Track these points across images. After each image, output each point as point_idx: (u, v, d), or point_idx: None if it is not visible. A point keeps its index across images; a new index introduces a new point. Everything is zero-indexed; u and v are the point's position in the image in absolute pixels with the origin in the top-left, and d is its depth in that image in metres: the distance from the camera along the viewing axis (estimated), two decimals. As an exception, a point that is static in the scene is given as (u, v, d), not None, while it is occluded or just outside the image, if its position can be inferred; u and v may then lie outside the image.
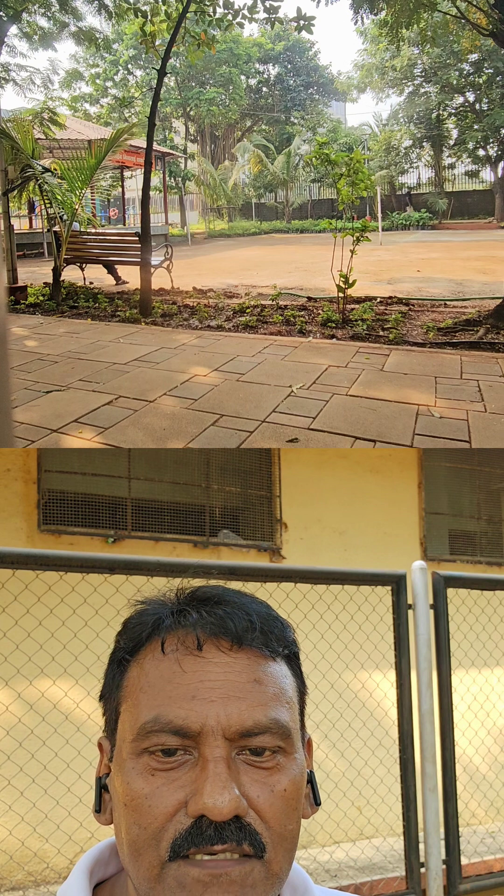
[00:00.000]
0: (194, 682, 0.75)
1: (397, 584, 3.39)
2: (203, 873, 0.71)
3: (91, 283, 12.01)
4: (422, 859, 3.26)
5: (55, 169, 10.13)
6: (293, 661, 0.82)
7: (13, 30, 17.20)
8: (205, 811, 0.71)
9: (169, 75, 31.94)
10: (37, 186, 10.31)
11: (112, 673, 0.82)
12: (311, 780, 0.83)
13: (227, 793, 0.71)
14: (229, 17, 9.72)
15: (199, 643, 0.77)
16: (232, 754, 0.74)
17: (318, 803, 0.84)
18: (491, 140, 35.04)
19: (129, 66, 41.22)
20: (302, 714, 0.83)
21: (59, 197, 9.91)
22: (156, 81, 9.10)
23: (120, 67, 41.23)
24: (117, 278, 12.45)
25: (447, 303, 10.01)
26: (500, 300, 8.25)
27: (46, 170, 10.07)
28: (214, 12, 9.65)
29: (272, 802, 0.74)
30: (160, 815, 0.73)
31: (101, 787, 0.82)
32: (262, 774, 0.75)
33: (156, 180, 31.74)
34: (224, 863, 0.72)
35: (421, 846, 3.26)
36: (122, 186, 29.39)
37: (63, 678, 3.63)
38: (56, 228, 10.32)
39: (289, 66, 44.76)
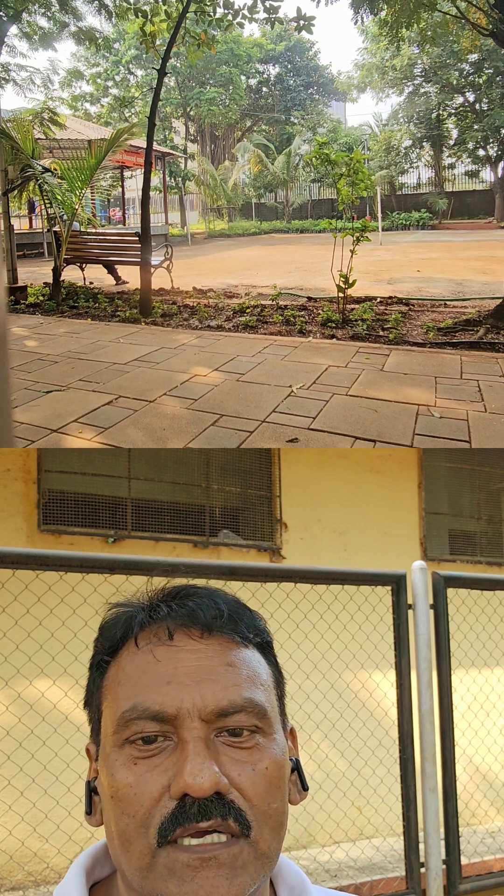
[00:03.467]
0: (168, 668, 0.77)
1: (397, 584, 3.39)
2: (192, 858, 0.72)
3: (91, 283, 12.01)
4: (422, 859, 3.26)
5: (55, 169, 10.13)
6: (267, 649, 0.84)
7: (13, 30, 17.21)
8: (186, 789, 0.72)
9: (169, 75, 31.92)
10: (37, 186, 10.31)
11: (93, 677, 0.84)
12: (297, 768, 0.84)
13: (206, 769, 0.73)
14: (229, 17, 9.73)
15: (169, 633, 0.79)
16: (210, 736, 0.75)
17: (305, 789, 0.85)
18: (491, 140, 35.03)
19: (131, 65, 41.22)
20: (281, 701, 0.84)
21: (59, 197, 9.91)
22: (156, 81, 9.10)
23: (121, 67, 41.23)
24: (117, 278, 12.45)
25: (447, 303, 10.01)
26: (500, 300, 8.25)
27: (46, 170, 10.07)
28: (214, 12, 9.65)
29: (254, 780, 0.75)
30: (146, 801, 0.74)
31: (91, 791, 0.84)
32: (241, 754, 0.76)
33: (156, 180, 31.74)
34: (212, 846, 0.73)
35: (421, 846, 3.26)
36: (122, 186, 29.39)
37: (63, 678, 3.63)
38: (56, 228, 10.32)
39: (289, 66, 44.76)
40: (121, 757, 0.76)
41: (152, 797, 0.74)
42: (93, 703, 0.83)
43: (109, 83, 42.25)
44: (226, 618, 0.80)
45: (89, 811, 0.84)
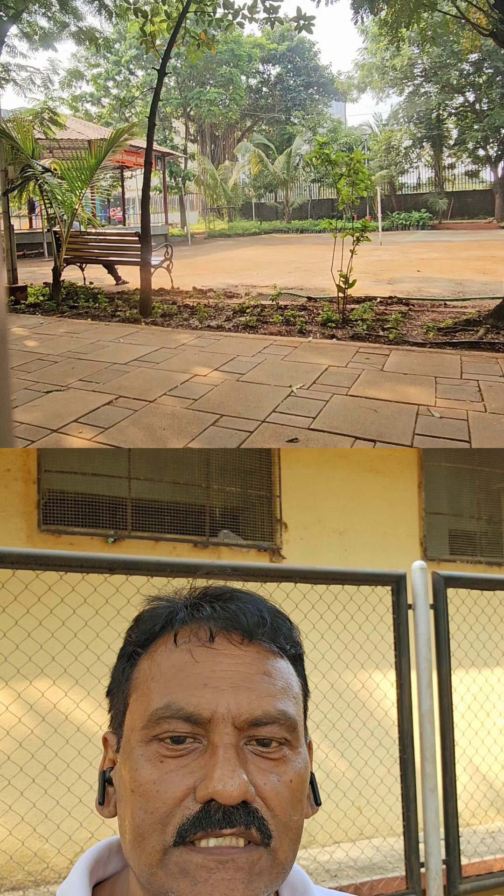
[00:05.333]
0: (206, 671, 0.77)
1: (397, 584, 3.39)
2: (208, 859, 0.72)
3: (91, 283, 12.01)
4: (422, 859, 3.26)
5: (55, 169, 10.13)
6: (298, 662, 0.84)
7: (13, 30, 17.22)
8: (214, 795, 0.72)
9: (169, 75, 31.97)
10: (37, 186, 10.32)
11: (121, 667, 0.83)
12: (312, 782, 0.84)
13: (237, 777, 0.73)
14: (229, 17, 9.73)
15: (211, 635, 0.78)
16: (240, 743, 0.75)
17: (318, 803, 0.85)
18: (491, 140, 35.02)
19: (131, 66, 41.21)
20: (305, 715, 0.84)
21: (59, 197, 9.91)
22: (156, 81, 9.11)
23: (121, 67, 41.22)
24: (117, 278, 12.45)
25: (447, 303, 10.01)
26: (500, 300, 8.25)
27: (46, 170, 10.08)
28: (214, 12, 9.66)
29: (279, 791, 0.75)
30: (168, 799, 0.73)
31: (106, 781, 0.83)
32: (269, 765, 0.76)
33: (156, 180, 31.72)
34: (230, 849, 0.73)
35: (421, 846, 3.26)
36: (122, 186, 29.39)
37: (63, 678, 3.63)
38: (56, 228, 10.32)
39: (289, 66, 44.75)
40: (146, 752, 0.76)
41: (175, 797, 0.73)
42: (119, 693, 0.83)
43: (110, 83, 42.24)
44: (268, 626, 0.80)
45: (102, 801, 0.83)
